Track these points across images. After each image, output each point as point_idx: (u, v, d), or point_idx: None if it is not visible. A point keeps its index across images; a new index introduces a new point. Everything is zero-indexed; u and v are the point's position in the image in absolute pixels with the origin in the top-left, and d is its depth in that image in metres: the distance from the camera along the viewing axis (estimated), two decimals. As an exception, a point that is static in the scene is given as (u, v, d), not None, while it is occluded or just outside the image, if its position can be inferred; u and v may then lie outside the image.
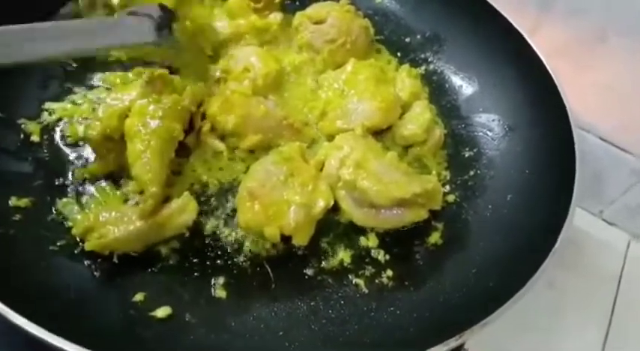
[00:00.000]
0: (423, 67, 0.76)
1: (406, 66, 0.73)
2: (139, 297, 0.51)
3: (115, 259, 0.53)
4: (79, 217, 0.55)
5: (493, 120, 0.69)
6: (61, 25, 0.57)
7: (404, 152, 0.67)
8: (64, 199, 0.57)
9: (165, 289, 0.53)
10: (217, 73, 0.68)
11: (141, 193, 0.56)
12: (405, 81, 0.70)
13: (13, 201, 0.55)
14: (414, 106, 0.68)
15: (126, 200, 0.58)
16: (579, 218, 0.73)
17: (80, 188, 0.59)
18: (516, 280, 0.50)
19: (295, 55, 0.72)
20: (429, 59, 0.77)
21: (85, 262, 0.53)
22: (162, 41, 0.61)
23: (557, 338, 0.71)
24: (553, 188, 0.59)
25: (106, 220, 0.54)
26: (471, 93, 0.73)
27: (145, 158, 0.55)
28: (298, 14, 0.74)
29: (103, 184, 0.59)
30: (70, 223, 0.55)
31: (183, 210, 0.55)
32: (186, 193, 0.56)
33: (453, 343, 0.44)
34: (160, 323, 0.50)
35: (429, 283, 0.56)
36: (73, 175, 0.60)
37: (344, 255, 0.58)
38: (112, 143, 0.57)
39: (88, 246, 0.53)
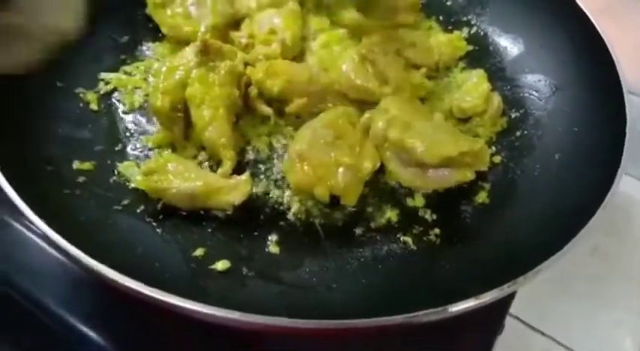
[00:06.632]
0: (466, 30, 0.76)
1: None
2: (199, 252, 0.54)
3: (159, 206, 0.56)
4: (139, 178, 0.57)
5: (539, 80, 0.68)
6: None
7: (449, 115, 0.67)
8: (125, 162, 0.60)
9: (222, 245, 0.55)
10: (243, 40, 0.68)
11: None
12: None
13: (76, 164, 0.58)
14: (471, 76, 0.68)
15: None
16: (623, 182, 0.71)
17: (140, 153, 0.62)
18: (568, 233, 0.50)
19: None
20: (472, 22, 0.76)
21: (147, 220, 0.56)
22: None
23: (602, 305, 0.71)
24: (602, 145, 0.58)
25: (171, 169, 0.56)
26: (516, 54, 0.72)
27: (215, 123, 0.58)
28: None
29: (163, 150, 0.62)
30: (132, 184, 0.58)
31: (235, 188, 0.56)
32: (247, 173, 0.57)
33: (507, 289, 0.45)
34: (220, 275, 0.52)
35: (477, 241, 0.57)
36: (134, 142, 0.63)
37: (391, 214, 0.59)
38: (177, 113, 0.59)
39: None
